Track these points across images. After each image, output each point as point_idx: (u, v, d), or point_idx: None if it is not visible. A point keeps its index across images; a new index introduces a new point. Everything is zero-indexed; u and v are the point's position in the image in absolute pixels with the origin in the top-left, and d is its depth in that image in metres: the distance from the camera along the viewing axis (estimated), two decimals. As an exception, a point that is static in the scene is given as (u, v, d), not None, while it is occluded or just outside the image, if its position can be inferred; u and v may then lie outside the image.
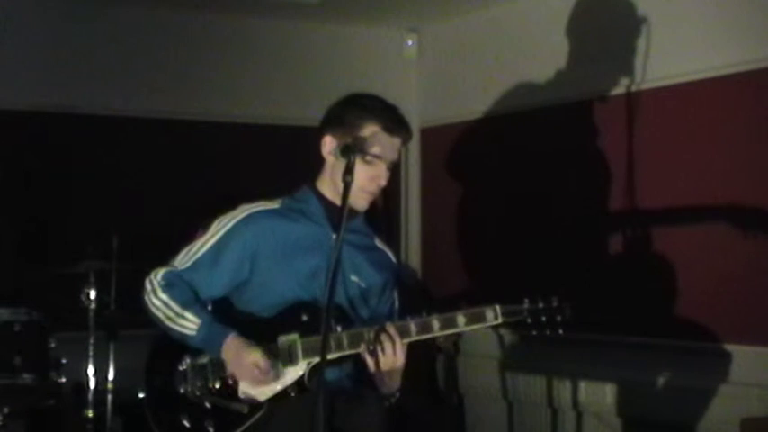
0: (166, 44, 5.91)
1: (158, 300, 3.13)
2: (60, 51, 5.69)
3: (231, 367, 3.08)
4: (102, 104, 5.73)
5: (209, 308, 3.19)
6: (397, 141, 3.16)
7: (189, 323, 3.09)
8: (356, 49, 6.31)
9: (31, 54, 5.62)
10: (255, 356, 3.03)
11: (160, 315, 3.12)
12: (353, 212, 3.12)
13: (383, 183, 3.15)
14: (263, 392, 3.07)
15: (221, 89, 5.99)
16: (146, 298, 3.16)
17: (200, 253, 3.17)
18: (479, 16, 5.95)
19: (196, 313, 3.10)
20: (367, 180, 3.11)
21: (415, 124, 6.14)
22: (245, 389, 3.09)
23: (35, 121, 5.60)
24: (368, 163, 3.10)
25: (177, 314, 3.10)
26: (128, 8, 5.78)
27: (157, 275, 3.16)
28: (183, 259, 3.18)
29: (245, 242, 3.14)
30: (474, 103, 5.93)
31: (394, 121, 3.15)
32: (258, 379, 3.05)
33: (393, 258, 3.34)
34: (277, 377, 3.05)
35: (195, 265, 3.16)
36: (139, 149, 5.80)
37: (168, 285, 3.14)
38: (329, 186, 3.20)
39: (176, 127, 5.89)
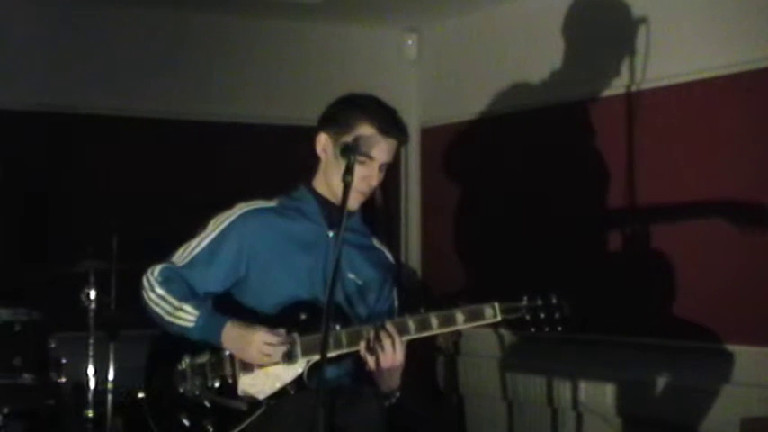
0: (166, 44, 5.92)
1: (155, 295, 3.13)
2: (60, 51, 5.70)
3: (236, 353, 3.07)
4: (102, 104, 5.73)
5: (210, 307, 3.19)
6: (391, 143, 3.15)
7: (187, 315, 3.09)
8: (356, 49, 6.31)
9: (31, 54, 5.62)
10: (261, 332, 3.02)
11: (159, 310, 3.12)
12: (348, 211, 3.12)
13: (374, 183, 3.15)
14: (263, 391, 3.07)
15: (221, 89, 5.99)
16: (144, 295, 3.16)
17: (197, 250, 3.17)
18: (479, 16, 5.95)
19: (194, 305, 3.10)
20: (358, 179, 3.09)
21: (415, 124, 6.15)
22: (245, 387, 3.09)
23: (35, 121, 5.61)
24: (360, 163, 3.09)
25: (175, 307, 3.10)
26: (128, 8, 5.78)
27: (154, 272, 3.17)
28: (181, 256, 3.19)
29: (242, 240, 3.15)
30: (474, 103, 5.93)
31: (389, 122, 3.14)
32: (268, 355, 3.02)
33: (391, 258, 3.35)
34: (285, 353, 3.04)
35: (192, 263, 3.16)
36: (139, 149, 5.80)
37: (165, 281, 3.14)
38: (323, 184, 3.21)
39: (176, 127, 5.89)
